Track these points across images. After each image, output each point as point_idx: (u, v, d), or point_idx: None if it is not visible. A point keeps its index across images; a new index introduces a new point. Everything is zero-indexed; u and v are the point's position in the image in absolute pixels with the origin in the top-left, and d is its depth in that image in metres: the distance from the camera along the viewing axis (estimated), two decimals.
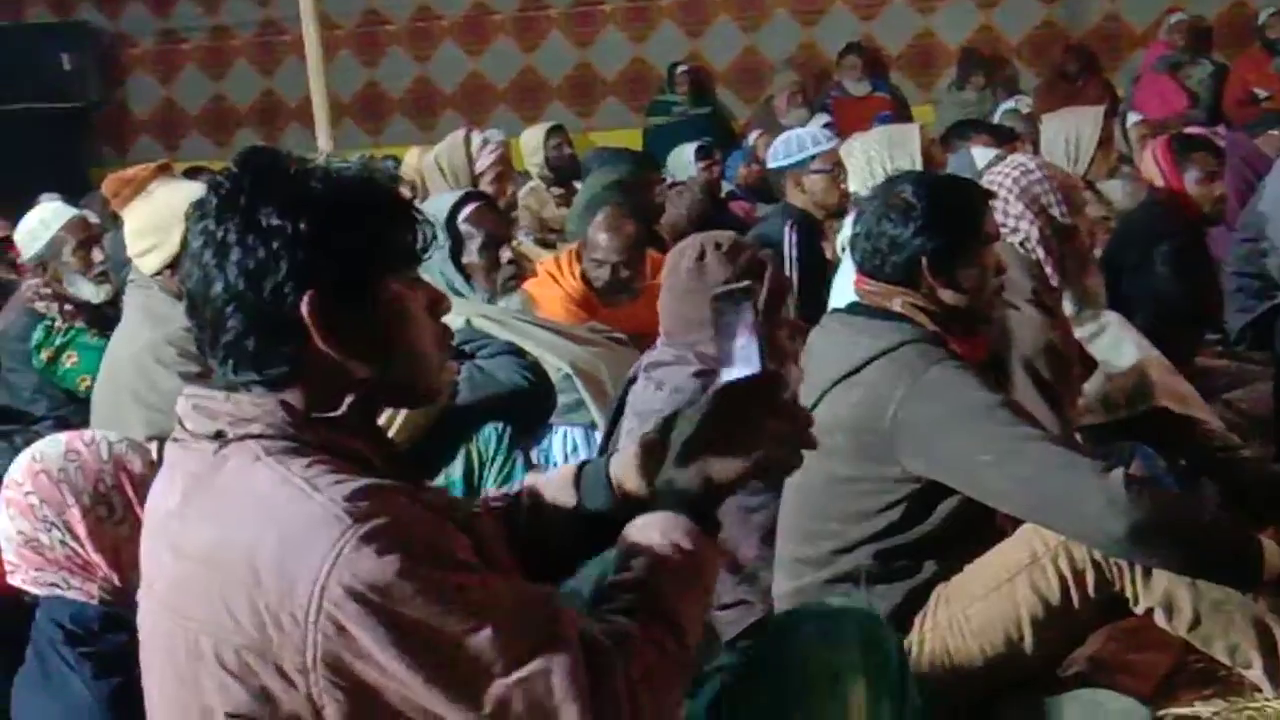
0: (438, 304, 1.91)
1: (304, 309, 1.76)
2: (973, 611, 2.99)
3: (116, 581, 2.56)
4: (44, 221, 5.05)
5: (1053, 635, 2.98)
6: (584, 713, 1.63)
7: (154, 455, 2.74)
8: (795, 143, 5.83)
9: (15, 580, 2.59)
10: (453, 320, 3.83)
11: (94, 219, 5.26)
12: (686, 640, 1.75)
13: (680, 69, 11.64)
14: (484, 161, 5.89)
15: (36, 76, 12.42)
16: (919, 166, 4.89)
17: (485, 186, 5.61)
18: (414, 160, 6.06)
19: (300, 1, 6.83)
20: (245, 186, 1.79)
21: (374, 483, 1.72)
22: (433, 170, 5.85)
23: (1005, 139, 5.97)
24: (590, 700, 1.64)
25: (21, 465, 2.60)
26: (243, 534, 1.69)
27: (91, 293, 4.93)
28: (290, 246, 1.75)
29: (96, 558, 2.55)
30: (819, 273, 5.25)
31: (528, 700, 1.63)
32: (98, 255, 4.98)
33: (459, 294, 3.94)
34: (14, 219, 5.82)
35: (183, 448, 1.84)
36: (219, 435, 1.78)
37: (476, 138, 5.97)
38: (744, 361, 1.90)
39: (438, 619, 1.62)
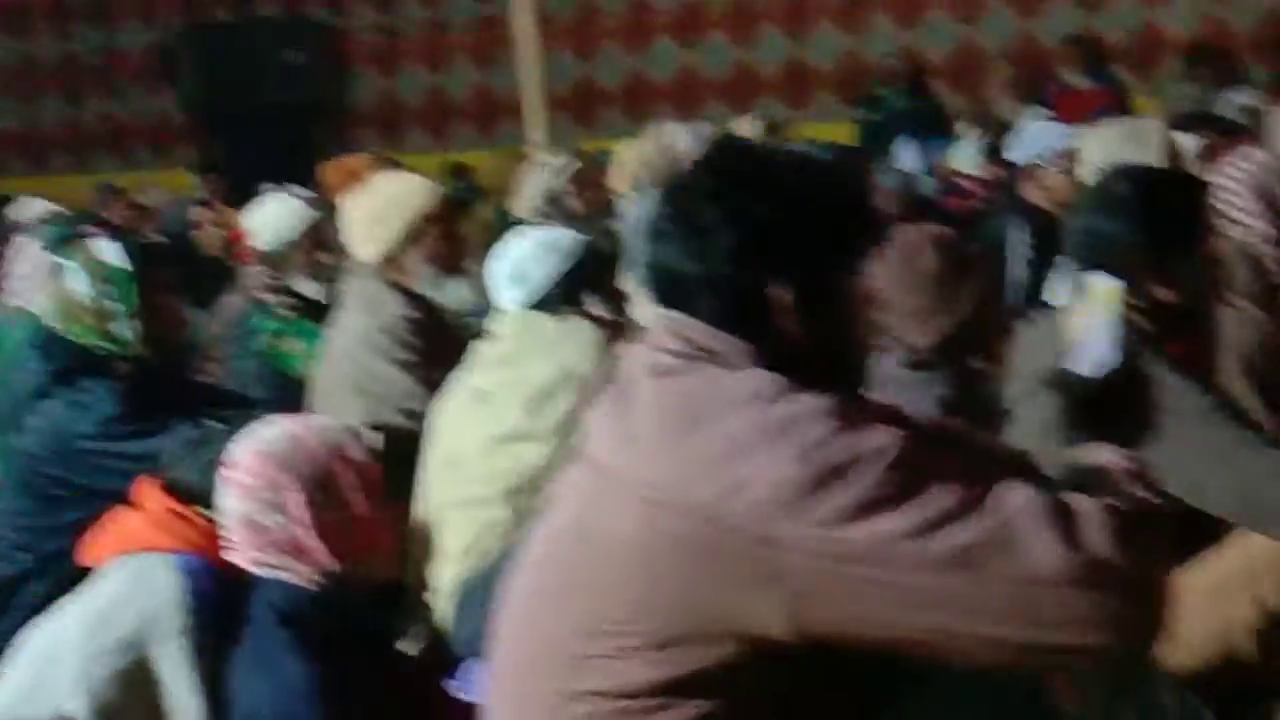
0: (871, 299, 2.03)
1: (778, 293, 1.86)
2: (1190, 620, 2.91)
3: (331, 566, 2.62)
4: (285, 221, 5.19)
5: (1275, 643, 2.89)
6: (1059, 542, 1.66)
7: (374, 442, 2.80)
8: (1033, 138, 5.73)
9: (234, 559, 2.67)
10: None
11: (320, 215, 5.39)
12: (1155, 516, 1.78)
13: (895, 62, 11.52)
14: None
15: (266, 71, 12.77)
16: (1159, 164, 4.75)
17: None
18: (625, 154, 6.09)
19: None
20: (733, 173, 1.92)
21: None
22: (633, 162, 5.88)
23: (1230, 133, 5.79)
24: (1066, 532, 1.67)
25: (246, 445, 2.67)
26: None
27: (315, 291, 5.07)
28: (774, 235, 1.88)
29: (313, 542, 2.60)
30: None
31: (1000, 539, 1.67)
32: (326, 258, 5.13)
33: None
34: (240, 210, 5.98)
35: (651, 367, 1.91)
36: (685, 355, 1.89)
37: (675, 129, 5.97)
38: (1098, 358, 1.98)
39: (898, 495, 1.70)
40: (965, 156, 7.69)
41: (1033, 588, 1.65)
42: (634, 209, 4.38)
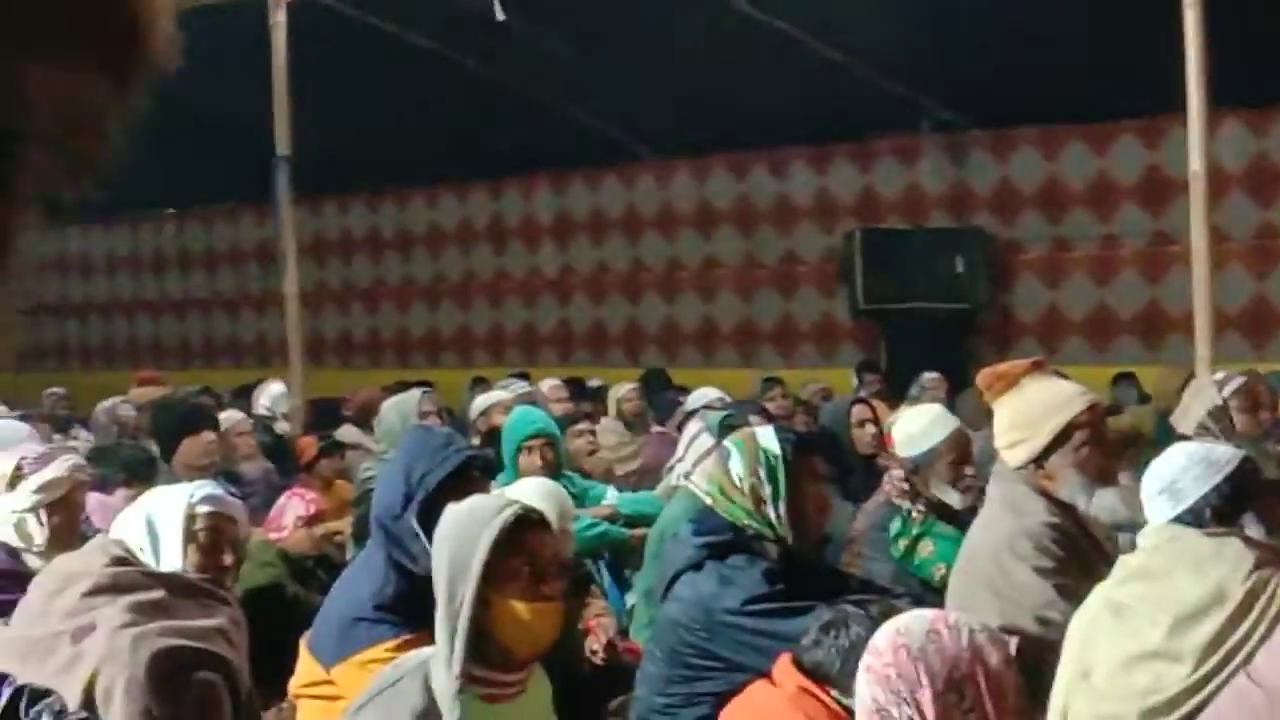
0: None
1: None
2: None
3: None
4: (927, 429, 5.28)
5: None
6: None
7: (1011, 649, 2.79)
8: None
9: None
10: None
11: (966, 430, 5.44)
12: None
13: None
14: None
15: (931, 278, 13.05)
16: None
17: None
18: None
19: (1192, 213, 6.80)
20: None
21: None
22: None
23: None
24: None
25: (886, 635, 2.72)
26: None
27: (957, 501, 5.10)
28: None
29: None
30: None
31: None
32: (969, 470, 5.15)
33: None
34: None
35: None
36: None
37: None
38: None
39: None
40: None
41: None
42: None
